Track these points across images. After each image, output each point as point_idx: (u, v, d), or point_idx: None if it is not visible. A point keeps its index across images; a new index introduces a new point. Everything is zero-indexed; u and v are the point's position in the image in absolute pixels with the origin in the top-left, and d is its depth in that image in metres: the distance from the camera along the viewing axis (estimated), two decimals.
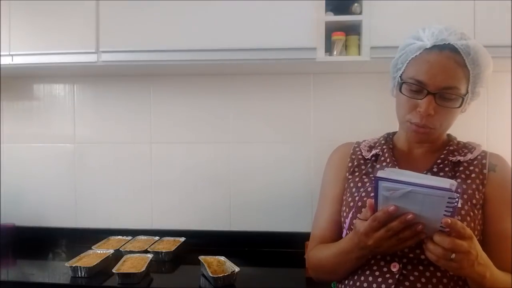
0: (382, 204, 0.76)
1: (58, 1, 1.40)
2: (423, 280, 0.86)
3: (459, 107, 0.90)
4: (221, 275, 1.21)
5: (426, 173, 0.94)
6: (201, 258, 1.34)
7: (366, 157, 1.03)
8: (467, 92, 0.91)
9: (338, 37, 1.39)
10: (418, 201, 0.72)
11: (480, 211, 0.91)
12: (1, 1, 1.42)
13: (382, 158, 1.01)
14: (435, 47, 0.89)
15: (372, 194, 0.87)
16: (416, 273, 0.86)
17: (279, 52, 1.35)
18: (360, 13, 1.35)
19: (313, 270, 1.04)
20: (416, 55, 0.91)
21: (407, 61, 0.93)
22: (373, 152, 1.03)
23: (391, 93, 1.02)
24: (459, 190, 0.71)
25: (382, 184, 0.74)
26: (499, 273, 0.83)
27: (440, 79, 0.87)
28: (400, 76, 0.94)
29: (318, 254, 1.00)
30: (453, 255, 0.74)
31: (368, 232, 0.79)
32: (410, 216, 0.74)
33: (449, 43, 0.88)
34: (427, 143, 0.98)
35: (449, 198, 0.70)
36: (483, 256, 0.79)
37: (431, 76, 0.87)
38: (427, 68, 0.88)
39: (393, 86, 1.00)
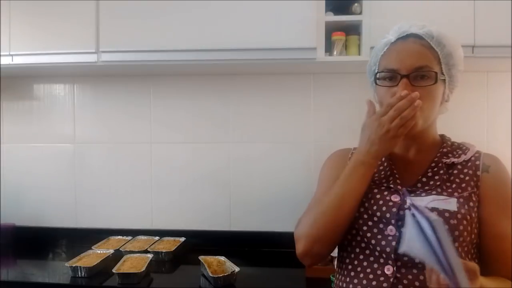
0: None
1: (58, 1, 1.40)
2: (417, 283, 0.85)
3: (434, 83, 0.90)
4: (221, 275, 1.21)
5: (421, 178, 0.93)
6: (201, 258, 1.34)
7: None
8: (442, 74, 0.92)
9: (338, 37, 1.40)
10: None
11: (477, 214, 0.89)
12: (1, 1, 1.42)
13: (379, 162, 1.00)
14: (399, 39, 0.93)
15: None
16: (410, 276, 0.86)
17: (279, 52, 1.35)
18: (360, 13, 1.35)
19: (307, 236, 0.93)
20: (384, 51, 0.94)
21: (378, 60, 0.96)
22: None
23: (375, 101, 1.01)
24: None
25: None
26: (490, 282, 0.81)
27: (409, 62, 0.89)
28: (375, 76, 0.97)
29: (314, 209, 0.94)
30: None
31: (378, 116, 0.86)
32: (415, 93, 0.82)
33: (411, 33, 0.92)
34: (418, 138, 0.95)
35: None
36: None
37: (399, 61, 0.90)
38: (395, 56, 0.92)
39: (374, 92, 1.01)
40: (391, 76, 0.92)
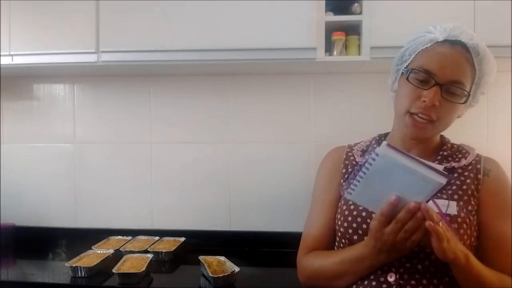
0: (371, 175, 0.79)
1: (58, 1, 1.40)
2: None
3: (463, 103, 0.89)
4: (221, 275, 1.21)
5: None
6: (201, 258, 1.34)
7: (360, 163, 1.01)
8: (469, 93, 0.90)
9: (338, 37, 1.39)
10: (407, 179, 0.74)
11: (475, 217, 0.90)
12: (1, 1, 1.42)
13: None
14: (446, 41, 0.89)
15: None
16: (413, 282, 0.86)
17: (279, 52, 1.35)
18: (360, 13, 1.35)
19: (309, 278, 1.00)
20: (426, 47, 0.90)
21: (416, 52, 0.91)
22: (367, 157, 1.01)
23: (390, 88, 1.00)
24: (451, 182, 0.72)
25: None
26: (480, 266, 0.83)
27: (450, 72, 0.86)
28: (405, 67, 0.93)
29: (319, 261, 0.97)
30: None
31: (380, 228, 0.79)
32: (412, 205, 0.75)
33: (460, 40, 0.88)
34: (422, 142, 0.96)
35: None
36: (458, 245, 0.80)
37: (441, 67, 0.87)
38: (438, 59, 0.88)
39: (394, 80, 0.98)
40: (425, 79, 0.88)
